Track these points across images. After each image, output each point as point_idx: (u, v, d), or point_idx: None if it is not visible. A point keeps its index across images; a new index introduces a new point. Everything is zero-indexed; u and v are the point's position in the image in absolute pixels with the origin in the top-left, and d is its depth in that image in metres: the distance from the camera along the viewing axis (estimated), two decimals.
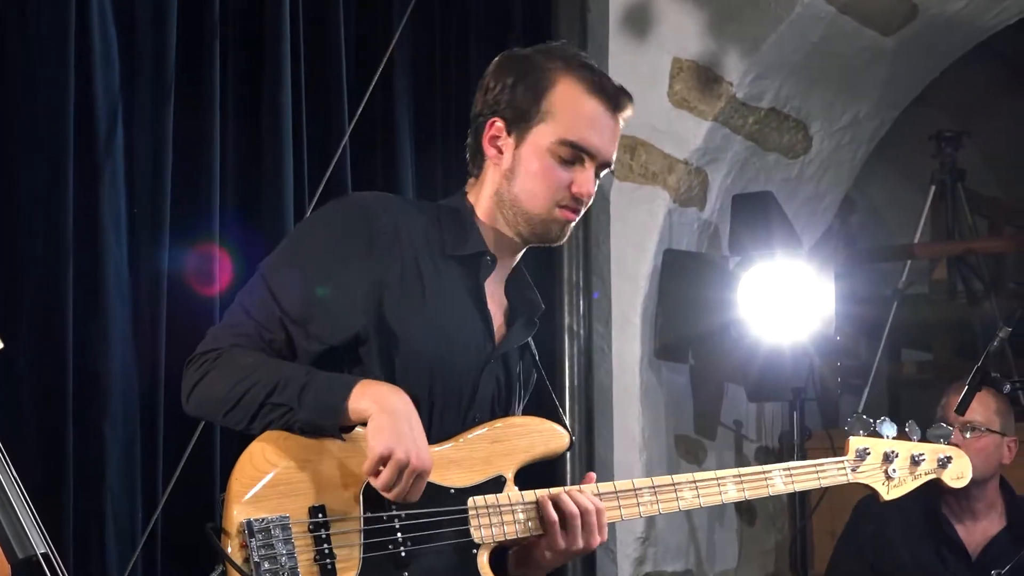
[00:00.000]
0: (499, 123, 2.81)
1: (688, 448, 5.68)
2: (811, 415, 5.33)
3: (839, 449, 5.06)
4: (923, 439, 3.10)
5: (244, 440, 2.70)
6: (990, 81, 7.57)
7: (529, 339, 2.93)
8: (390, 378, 2.69)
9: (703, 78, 5.40)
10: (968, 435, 4.55)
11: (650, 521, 5.41)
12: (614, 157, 2.84)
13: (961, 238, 6.95)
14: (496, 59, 2.87)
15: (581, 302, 5.33)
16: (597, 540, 2.78)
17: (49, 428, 3.61)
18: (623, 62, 5.42)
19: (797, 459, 5.03)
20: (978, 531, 4.62)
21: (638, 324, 5.42)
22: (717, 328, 5.21)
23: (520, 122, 2.79)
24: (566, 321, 5.27)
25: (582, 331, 5.28)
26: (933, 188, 6.96)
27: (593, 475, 2.85)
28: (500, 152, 2.82)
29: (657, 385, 5.50)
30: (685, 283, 5.39)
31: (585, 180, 2.77)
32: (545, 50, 2.85)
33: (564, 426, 2.86)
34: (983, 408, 4.55)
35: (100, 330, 3.75)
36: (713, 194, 5.61)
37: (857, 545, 4.74)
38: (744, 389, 5.66)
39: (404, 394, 2.64)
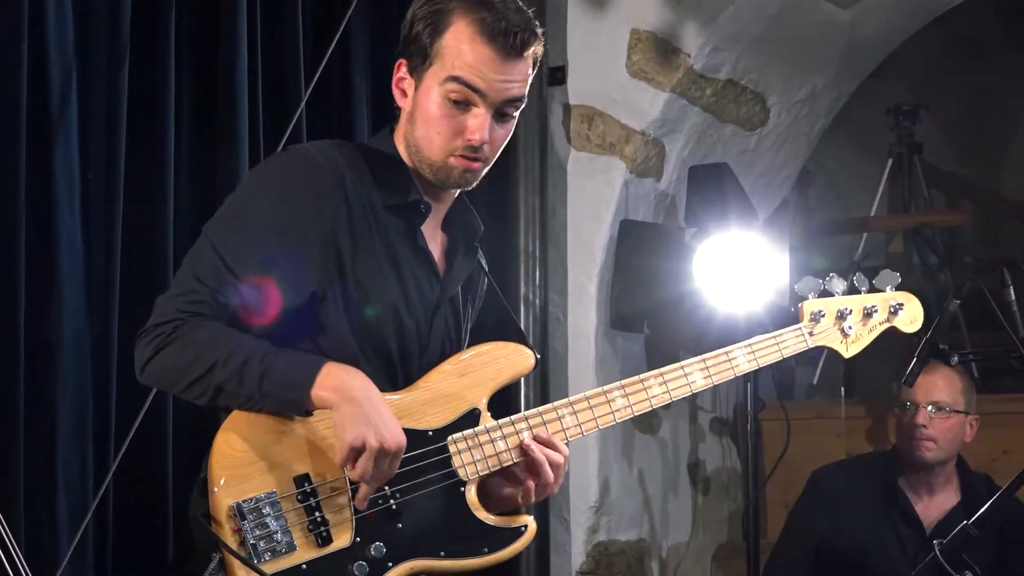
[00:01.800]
0: (404, 65, 2.77)
1: (642, 417, 5.67)
2: (765, 386, 5.33)
3: (793, 420, 5.17)
4: (872, 290, 3.09)
5: (198, 409, 2.70)
6: (948, 55, 7.59)
7: (481, 260, 2.92)
8: (352, 334, 2.69)
9: (661, 49, 5.39)
10: (934, 413, 4.57)
11: (604, 489, 5.43)
12: (517, 100, 2.75)
13: (917, 211, 6.99)
14: None
15: (536, 271, 5.32)
16: (556, 490, 2.79)
17: (0, 396, 3.58)
18: (581, 33, 5.41)
19: (751, 432, 5.09)
20: (934, 505, 4.66)
21: (594, 294, 5.43)
22: (673, 299, 5.21)
23: (419, 64, 2.74)
24: (521, 291, 5.27)
25: (537, 300, 5.27)
26: (890, 161, 7.02)
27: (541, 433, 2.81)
28: (404, 95, 2.78)
29: (612, 355, 5.51)
30: (641, 253, 5.39)
31: (476, 126, 2.71)
32: None
33: (527, 345, 2.85)
34: (949, 388, 4.59)
35: (52, 298, 3.73)
36: (670, 165, 5.60)
37: (809, 517, 4.79)
38: None
39: (363, 376, 2.63)
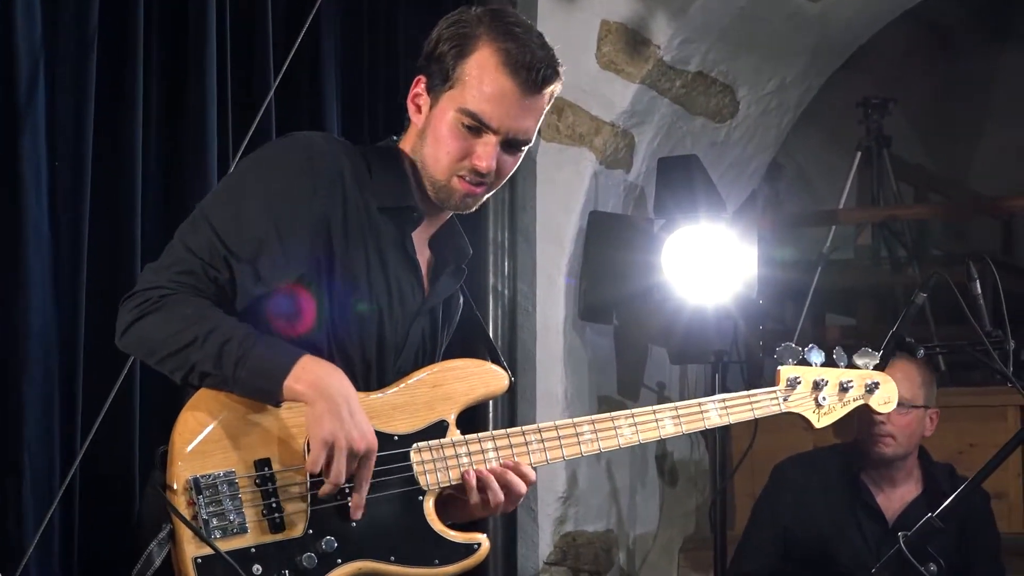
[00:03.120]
0: (423, 81, 2.78)
1: (611, 409, 5.55)
2: (733, 378, 5.35)
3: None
4: (850, 365, 3.12)
5: (165, 393, 2.70)
6: (917, 48, 7.62)
7: (463, 287, 2.93)
8: (331, 326, 2.68)
9: (631, 41, 5.40)
10: (893, 411, 4.59)
11: (572, 481, 5.44)
12: (528, 134, 2.77)
13: (886, 204, 7.00)
14: (448, 14, 2.82)
15: (506, 262, 5.33)
16: (512, 508, 2.82)
17: None
18: (552, 23, 5.41)
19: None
20: (896, 498, 4.66)
21: (562, 285, 5.45)
22: (641, 290, 5.22)
23: (438, 84, 2.75)
24: (490, 281, 5.27)
25: (506, 291, 5.28)
26: (859, 154, 7.02)
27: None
28: (419, 111, 2.79)
29: (581, 346, 5.52)
30: (610, 245, 5.41)
31: (484, 153, 2.71)
32: (483, 13, 2.78)
33: (503, 367, 2.85)
34: (909, 383, 4.57)
35: (19, 285, 3.70)
36: (639, 157, 5.62)
37: (773, 510, 4.77)
38: (667, 351, 5.70)
39: (340, 373, 2.62)
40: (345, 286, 2.70)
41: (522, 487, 2.78)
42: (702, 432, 6.06)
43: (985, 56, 7.88)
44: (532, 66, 2.71)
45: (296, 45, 4.22)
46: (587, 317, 5.53)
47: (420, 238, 2.84)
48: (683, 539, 6.03)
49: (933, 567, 3.26)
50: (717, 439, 5.12)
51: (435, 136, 2.74)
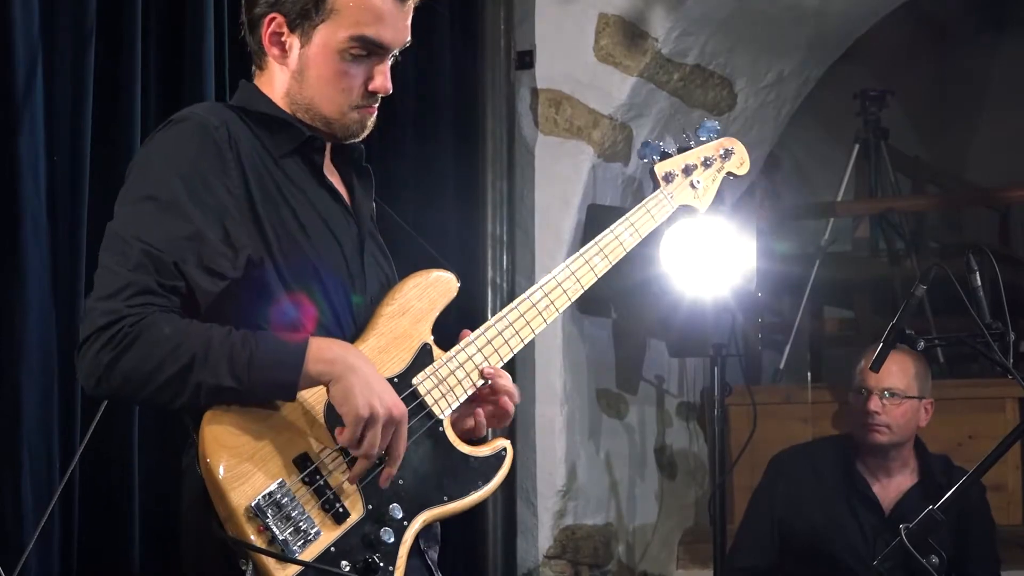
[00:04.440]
0: (279, 19, 2.65)
1: (610, 402, 5.71)
2: (732, 371, 5.34)
3: (760, 405, 5.18)
4: (699, 143, 3.14)
5: None
6: (914, 40, 7.62)
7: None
8: (291, 296, 2.58)
9: (629, 33, 5.39)
10: (886, 401, 4.60)
11: (571, 474, 5.44)
12: (408, 39, 2.70)
13: (884, 196, 7.01)
14: None
15: (504, 256, 5.32)
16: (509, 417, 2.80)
17: None
18: (549, 17, 5.41)
19: (718, 417, 5.10)
20: (892, 487, 4.68)
21: None
22: (640, 283, 5.19)
23: (303, 20, 2.63)
24: (489, 275, 5.26)
25: (505, 285, 5.27)
26: (857, 146, 7.04)
27: (467, 331, 2.79)
28: (284, 52, 2.67)
29: (579, 339, 5.52)
30: None
31: (382, 75, 2.66)
32: None
33: (445, 267, 2.81)
34: (902, 374, 4.62)
35: (17, 279, 3.68)
36: (637, 149, 5.59)
37: (771, 500, 4.81)
38: (666, 344, 5.69)
39: (353, 347, 2.56)
40: (289, 249, 2.60)
41: (510, 385, 2.77)
42: (701, 424, 6.12)
43: (982, 48, 7.88)
44: None
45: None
46: (585, 310, 5.52)
47: (326, 164, 2.75)
48: (682, 532, 6.04)
49: (935, 559, 3.25)
50: (716, 431, 5.11)
51: (320, 74, 2.65)
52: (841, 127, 7.26)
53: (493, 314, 5.13)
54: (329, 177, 2.74)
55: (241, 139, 2.60)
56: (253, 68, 2.75)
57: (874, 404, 4.61)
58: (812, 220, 7.11)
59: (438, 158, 5.24)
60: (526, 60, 5.47)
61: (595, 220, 5.45)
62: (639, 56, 5.42)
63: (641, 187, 5.68)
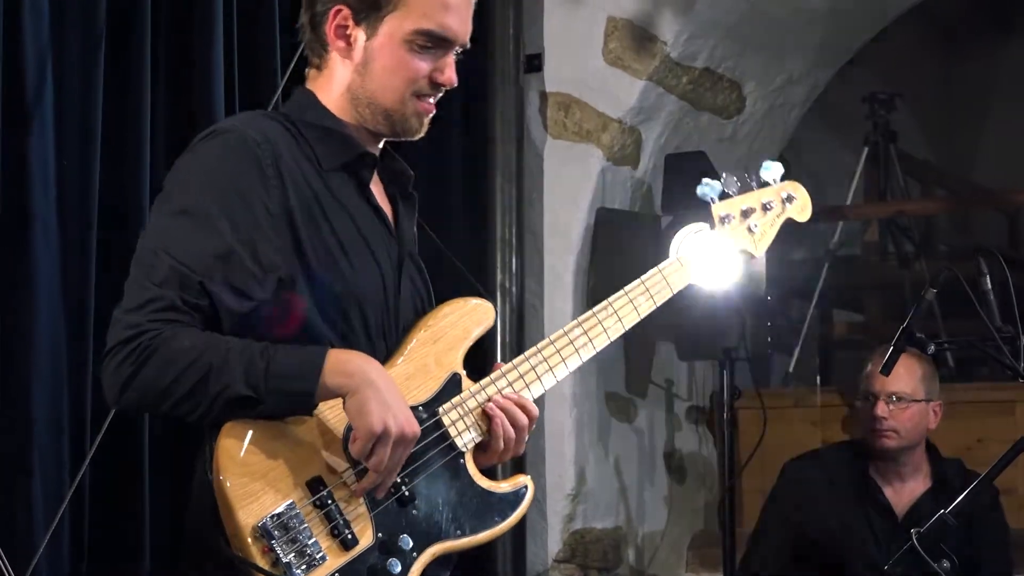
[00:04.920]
0: (345, 11, 2.61)
1: (619, 407, 5.70)
2: (742, 375, 5.33)
3: (769, 409, 5.17)
4: (761, 184, 3.03)
5: None
6: (923, 44, 7.61)
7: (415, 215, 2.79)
8: (324, 316, 2.54)
9: (638, 37, 5.39)
10: (892, 406, 4.59)
11: (580, 478, 5.43)
12: (470, 34, 2.67)
13: (893, 200, 6.99)
14: None
15: (513, 260, 5.32)
16: (523, 448, 2.71)
17: None
18: (558, 20, 5.41)
19: (727, 421, 5.09)
20: (905, 492, 4.67)
21: (570, 282, 5.43)
22: None
23: (369, 11, 2.59)
24: (498, 279, 5.26)
25: (514, 288, 5.26)
26: (866, 150, 7.03)
27: (500, 363, 2.72)
28: (349, 45, 2.62)
29: None
30: (618, 242, 5.39)
31: (448, 68, 2.62)
32: None
33: (482, 295, 2.76)
34: (909, 377, 4.60)
35: (27, 283, 3.69)
36: (646, 153, 5.61)
37: (784, 508, 4.79)
38: (675, 347, 5.68)
39: (374, 361, 2.51)
40: (326, 267, 2.55)
41: (523, 420, 2.67)
42: (710, 428, 6.10)
43: (990, 50, 7.87)
44: None
45: (303, 44, 4.21)
46: None
47: (374, 181, 2.71)
48: (691, 536, 6.02)
49: (946, 563, 3.25)
50: (726, 435, 5.10)
51: (384, 65, 2.60)
52: (850, 130, 7.24)
53: (500, 318, 5.22)
54: (375, 195, 2.69)
55: (284, 153, 2.55)
56: (308, 70, 2.71)
57: (880, 409, 4.60)
58: (821, 223, 7.09)
59: (447, 162, 5.24)
60: (535, 63, 5.47)
61: (604, 224, 5.45)
62: (648, 59, 5.41)
63: (650, 191, 5.68)
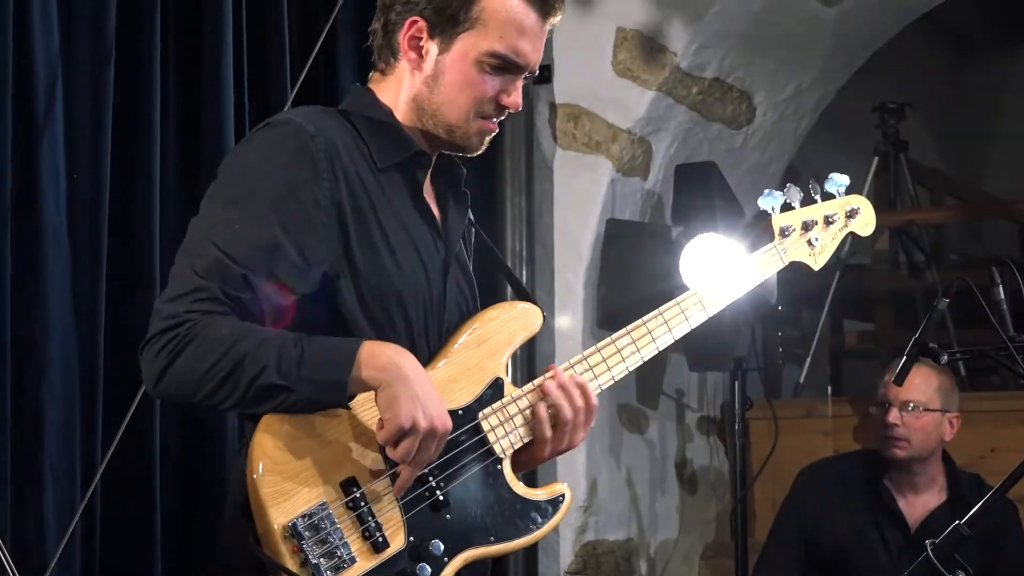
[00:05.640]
0: (421, 23, 2.61)
1: (630, 417, 5.69)
2: (752, 385, 5.33)
3: (780, 419, 5.15)
4: (825, 196, 3.02)
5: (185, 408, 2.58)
6: (933, 52, 7.60)
7: (469, 214, 2.79)
8: (366, 314, 2.54)
9: (647, 48, 5.38)
10: (905, 414, 4.58)
11: (592, 489, 5.42)
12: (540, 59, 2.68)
13: (903, 209, 6.98)
14: None
15: (523, 270, 5.31)
16: (582, 436, 2.68)
17: None
18: (567, 31, 5.40)
19: (739, 431, 5.08)
20: (919, 504, 4.65)
21: (580, 293, 5.42)
22: (659, 297, 5.07)
23: (445, 26, 2.61)
24: (508, 291, 5.25)
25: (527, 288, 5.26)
26: (876, 159, 7.01)
27: (554, 365, 2.71)
28: (421, 56, 2.62)
29: None
30: (628, 252, 5.36)
31: (515, 92, 2.63)
32: None
33: (531, 300, 2.75)
34: (924, 386, 4.59)
35: (38, 297, 3.70)
36: (656, 164, 5.60)
37: (797, 516, 4.78)
38: (686, 358, 5.67)
39: (408, 354, 2.49)
40: (371, 265, 2.55)
41: (580, 402, 2.65)
42: (721, 438, 6.09)
43: (1000, 59, 7.87)
44: None
45: (313, 54, 4.21)
46: (605, 325, 5.49)
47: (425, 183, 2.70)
48: (703, 547, 6.01)
49: (961, 575, 3.23)
50: (737, 446, 5.09)
51: (453, 81, 2.61)
52: (860, 140, 7.23)
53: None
54: (426, 196, 2.69)
55: (339, 148, 2.56)
56: (372, 73, 2.72)
57: (892, 417, 4.59)
58: None
59: None
60: (544, 74, 5.47)
61: (614, 235, 5.43)
62: (657, 70, 5.40)
63: (661, 201, 5.67)
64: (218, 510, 3.91)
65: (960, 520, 3.27)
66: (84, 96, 3.85)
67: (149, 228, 3.96)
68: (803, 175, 7.51)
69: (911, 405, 4.59)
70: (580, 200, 5.45)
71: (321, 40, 4.26)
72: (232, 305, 2.45)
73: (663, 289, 5.13)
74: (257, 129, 2.60)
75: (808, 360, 6.56)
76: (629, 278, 5.35)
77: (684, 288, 4.94)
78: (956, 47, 7.74)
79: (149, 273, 3.93)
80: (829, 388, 6.43)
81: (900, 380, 3.63)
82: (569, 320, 5.42)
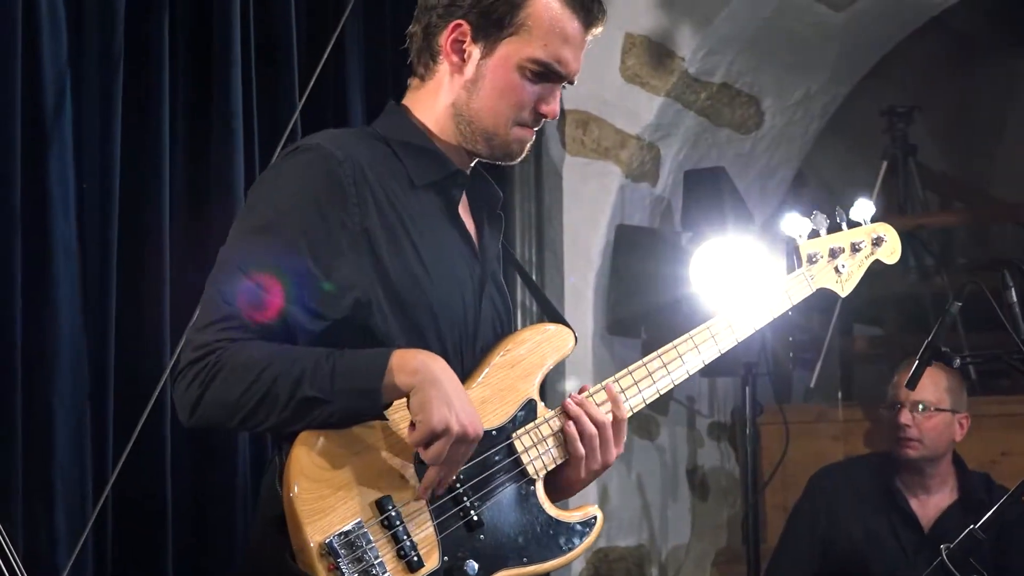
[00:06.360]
0: (465, 27, 2.61)
1: (641, 423, 5.67)
2: (763, 390, 5.31)
3: (791, 424, 5.13)
4: (851, 224, 3.06)
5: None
6: (942, 56, 7.57)
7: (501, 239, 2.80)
8: (400, 335, 2.54)
9: (655, 53, 5.38)
10: (917, 414, 4.58)
11: (603, 496, 5.40)
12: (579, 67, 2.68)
13: (912, 213, 6.95)
14: None
15: (532, 277, 5.30)
16: (614, 454, 2.70)
17: None
18: None
19: (750, 437, 5.07)
20: (931, 505, 4.68)
21: (590, 299, 5.41)
22: (669, 303, 5.16)
23: (490, 30, 2.60)
24: (519, 297, 5.24)
25: (534, 306, 5.23)
26: (885, 163, 6.98)
27: (588, 386, 2.73)
28: (463, 60, 2.62)
29: (609, 360, 5.46)
30: (637, 258, 5.36)
31: (554, 100, 2.64)
32: None
33: (563, 322, 2.76)
34: (934, 386, 4.61)
35: (48, 305, 3.67)
36: (665, 169, 5.59)
37: (809, 519, 4.80)
38: None
39: (440, 359, 2.49)
40: (406, 287, 2.56)
41: (603, 418, 2.67)
42: (732, 444, 6.07)
43: (1009, 62, 7.83)
44: (590, 5, 2.65)
45: (321, 62, 4.19)
46: (615, 331, 5.49)
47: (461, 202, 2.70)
48: (715, 552, 6.00)
49: None
50: (748, 451, 5.08)
51: (494, 86, 2.61)
52: (869, 144, 7.20)
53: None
54: (462, 215, 2.69)
55: (368, 172, 2.55)
56: (411, 79, 2.72)
57: (904, 417, 4.63)
58: None
59: None
60: None
61: (624, 241, 5.43)
62: (666, 76, 5.40)
63: (670, 207, 5.66)
64: (230, 520, 4.00)
65: (975, 524, 3.27)
66: (93, 106, 3.83)
67: (158, 237, 3.94)
68: (812, 180, 7.52)
69: (922, 406, 4.62)
70: (589, 206, 5.45)
71: (330, 47, 4.24)
72: (261, 332, 2.46)
73: (673, 295, 5.16)
74: (285, 154, 2.61)
75: (818, 365, 6.50)
76: (639, 284, 5.38)
77: (694, 295, 5.03)
78: (965, 50, 7.71)
79: (159, 282, 3.91)
80: (839, 393, 6.39)
81: (913, 384, 3.64)
82: (578, 327, 5.39)
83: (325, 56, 4.21)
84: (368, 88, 4.78)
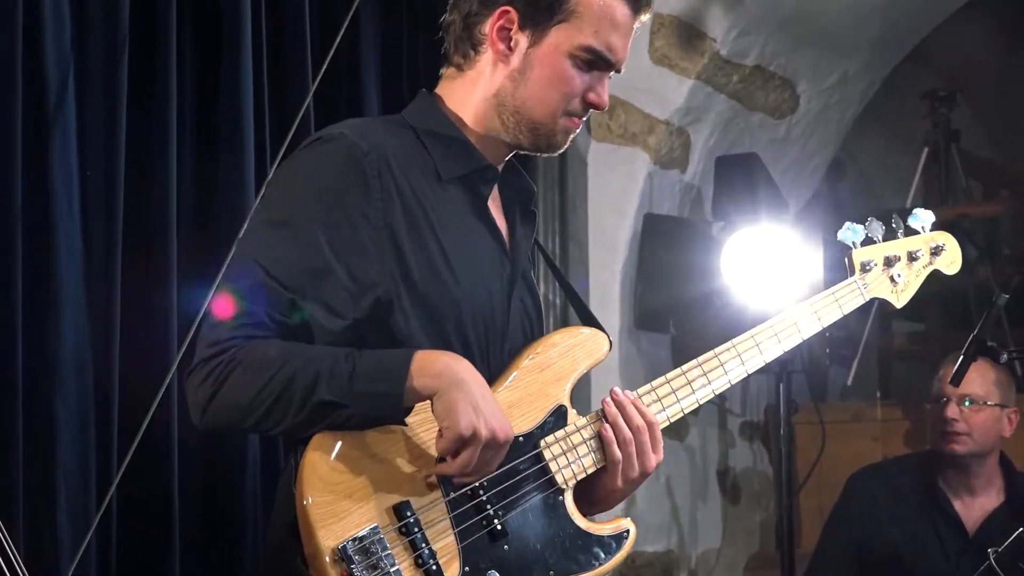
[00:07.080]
0: (512, 14, 2.58)
1: (670, 424, 5.56)
2: (798, 388, 5.28)
3: (827, 423, 5.06)
4: (908, 232, 3.00)
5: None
6: (983, 38, 7.47)
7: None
8: (423, 335, 2.49)
9: (685, 34, 5.31)
10: (964, 408, 4.50)
11: (631, 500, 5.31)
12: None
13: (955, 202, 6.90)
14: None
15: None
16: (653, 461, 2.64)
17: None
18: None
19: (784, 437, 5.01)
20: (976, 507, 4.61)
21: (617, 292, 5.35)
22: (700, 296, 5.20)
23: (539, 17, 2.57)
24: (541, 290, 5.14)
25: (558, 300, 5.18)
26: (925, 150, 6.94)
27: (617, 390, 2.67)
28: (510, 49, 2.59)
29: (637, 356, 5.42)
30: (666, 249, 5.33)
31: (603, 90, 2.61)
32: None
33: (598, 326, 2.73)
34: (982, 380, 4.54)
35: (51, 301, 3.63)
36: (695, 156, 5.55)
37: (848, 524, 4.73)
38: None
39: (464, 360, 2.44)
40: (429, 285, 2.51)
41: (640, 421, 2.62)
42: (765, 444, 6.04)
43: None
44: None
45: (333, 48, 4.11)
46: (642, 326, 5.47)
47: (492, 196, 2.67)
48: (747, 557, 5.99)
49: None
50: (782, 452, 5.07)
51: (543, 75, 2.57)
52: (909, 130, 7.21)
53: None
54: (493, 211, 2.65)
55: (393, 164, 2.52)
56: (445, 68, 2.68)
57: (951, 411, 4.56)
58: None
59: None
60: None
61: (652, 231, 5.38)
62: (696, 58, 5.34)
63: (700, 195, 5.59)
64: (240, 521, 3.98)
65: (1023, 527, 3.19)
66: (97, 94, 3.78)
67: (164, 230, 3.89)
68: (849, 167, 7.42)
69: (969, 400, 4.57)
70: (616, 195, 5.40)
71: (341, 33, 4.15)
72: (278, 330, 2.43)
73: (703, 288, 5.09)
74: (306, 144, 2.58)
75: (856, 362, 6.52)
76: (668, 276, 5.34)
77: (725, 287, 4.94)
78: (1008, 32, 7.61)
79: (165, 276, 3.86)
80: (878, 391, 6.38)
81: (957, 380, 3.59)
82: (605, 322, 5.30)
83: (337, 40, 4.13)
84: (382, 73, 4.73)
